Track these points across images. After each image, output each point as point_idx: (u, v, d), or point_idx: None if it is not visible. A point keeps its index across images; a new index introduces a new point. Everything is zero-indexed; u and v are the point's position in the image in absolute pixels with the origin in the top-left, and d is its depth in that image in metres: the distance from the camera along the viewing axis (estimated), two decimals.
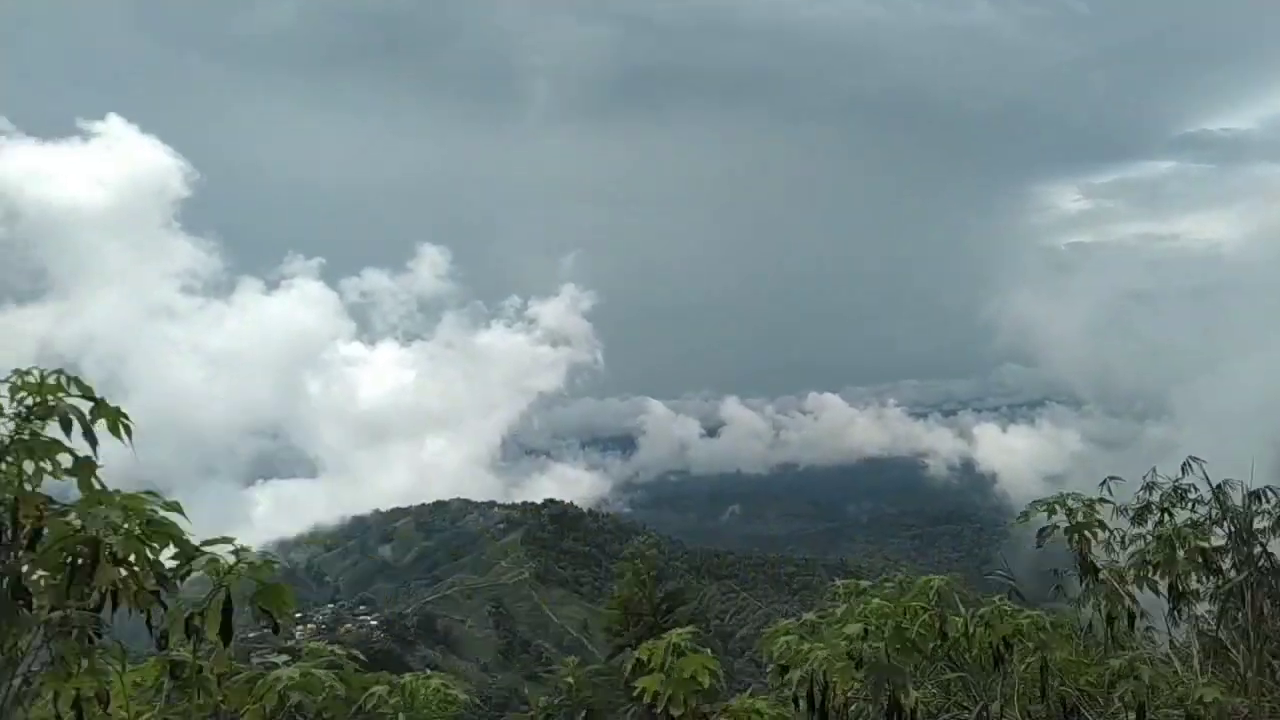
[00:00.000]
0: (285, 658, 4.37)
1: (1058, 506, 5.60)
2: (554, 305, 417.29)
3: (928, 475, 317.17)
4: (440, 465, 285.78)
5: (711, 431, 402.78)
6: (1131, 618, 5.49)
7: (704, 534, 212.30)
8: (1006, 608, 4.75)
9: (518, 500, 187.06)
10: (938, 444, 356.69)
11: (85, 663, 3.13)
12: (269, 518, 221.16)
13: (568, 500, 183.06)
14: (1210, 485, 6.85)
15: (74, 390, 3.41)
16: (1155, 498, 6.88)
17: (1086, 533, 5.54)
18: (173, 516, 3.54)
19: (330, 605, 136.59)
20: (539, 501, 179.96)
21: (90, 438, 3.36)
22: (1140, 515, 6.84)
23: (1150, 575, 5.94)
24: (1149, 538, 6.33)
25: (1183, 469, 6.96)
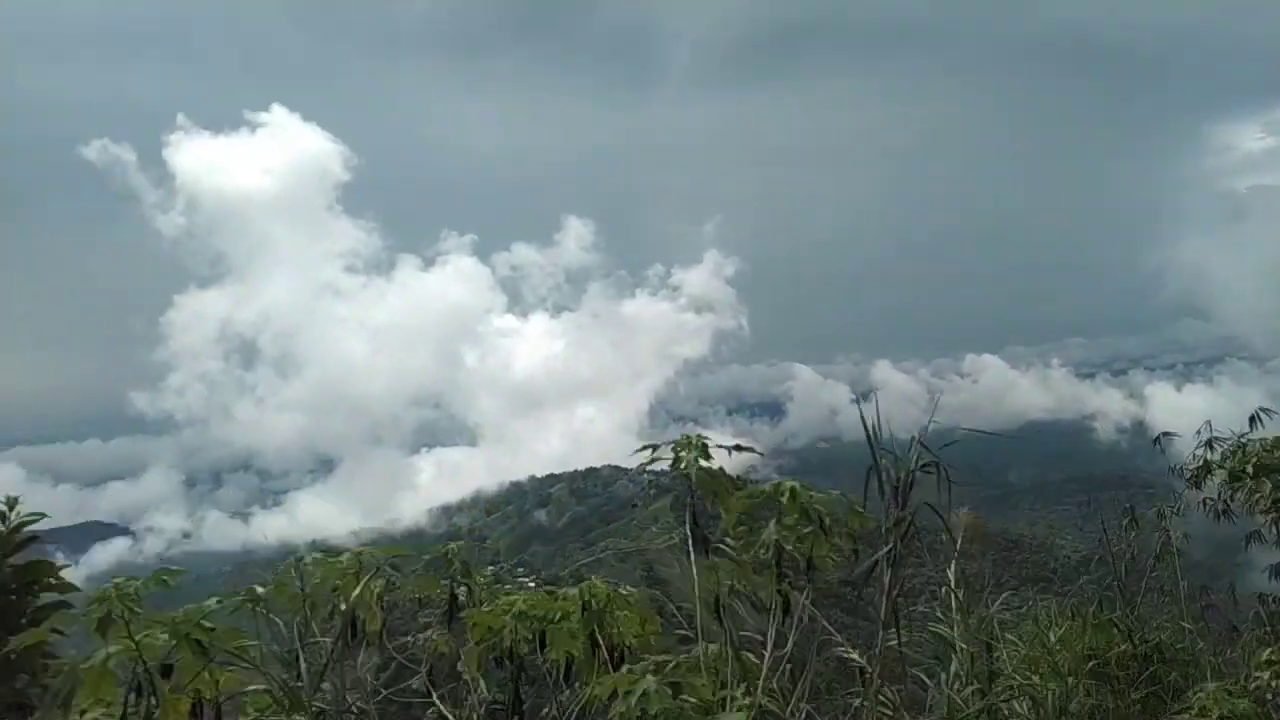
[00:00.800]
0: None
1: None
2: (697, 272, 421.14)
3: (1095, 439, 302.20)
4: (591, 432, 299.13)
5: (863, 396, 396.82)
6: None
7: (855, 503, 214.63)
8: None
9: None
10: (1106, 405, 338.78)
11: None
12: (433, 484, 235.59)
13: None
14: None
15: None
16: None
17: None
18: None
19: (490, 568, 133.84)
20: None
21: None
22: None
23: None
24: None
25: None
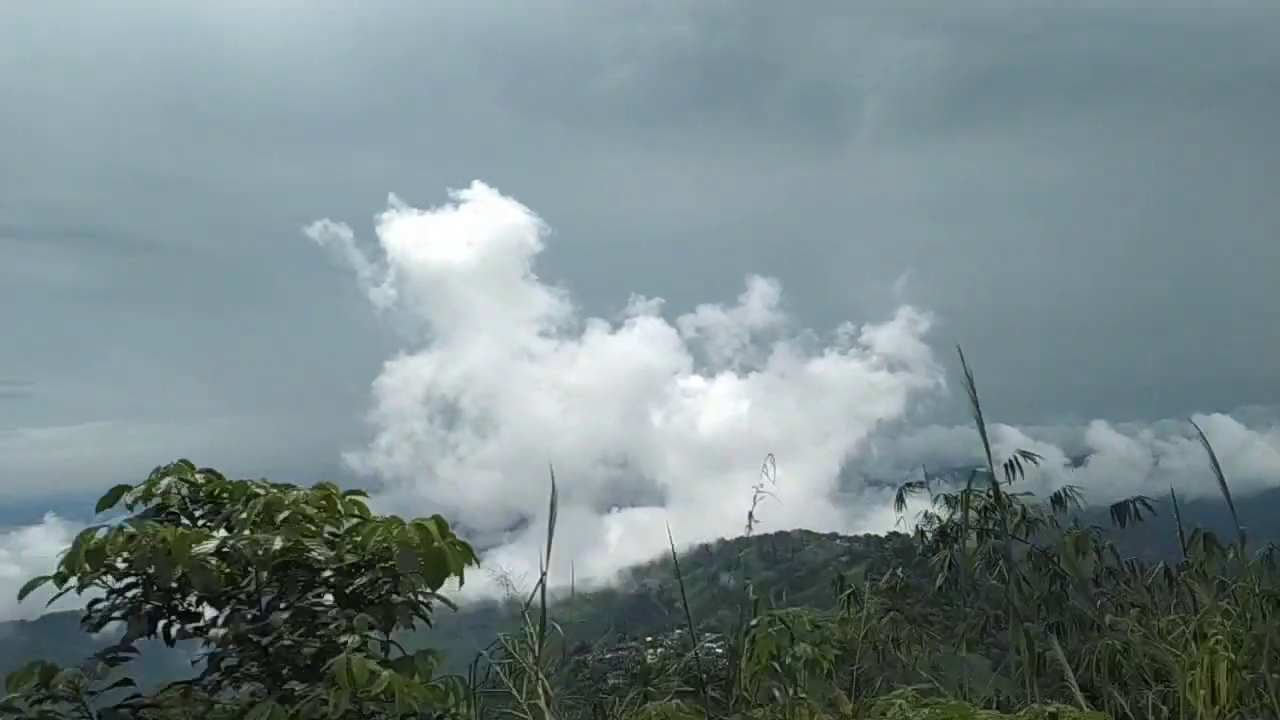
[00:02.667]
0: None
1: None
2: (889, 329, 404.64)
3: None
4: (780, 495, 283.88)
5: (1077, 460, 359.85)
6: None
7: None
8: None
9: (860, 533, 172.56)
10: None
11: None
12: (621, 543, 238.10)
13: (912, 534, 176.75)
14: None
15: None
16: None
17: None
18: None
19: (677, 630, 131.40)
20: (882, 535, 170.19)
21: None
22: None
23: None
24: None
25: None
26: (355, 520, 3.83)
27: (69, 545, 3.57)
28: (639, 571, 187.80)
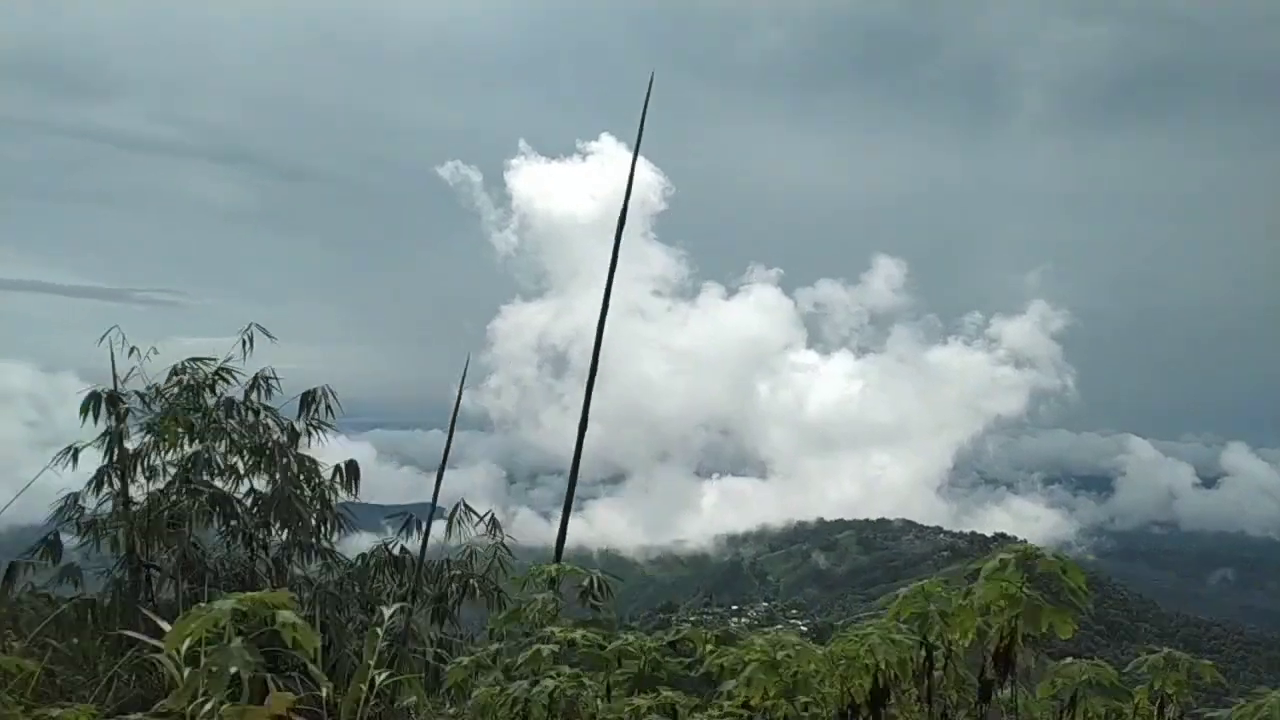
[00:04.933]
0: None
1: None
2: (1020, 324, 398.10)
3: None
4: (885, 481, 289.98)
5: (1209, 482, 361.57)
6: None
7: (1183, 598, 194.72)
8: None
9: (965, 529, 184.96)
10: None
11: None
12: (716, 509, 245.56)
13: (1021, 537, 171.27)
14: None
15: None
16: None
17: None
18: None
19: (765, 603, 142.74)
20: (988, 534, 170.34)
21: None
22: None
23: None
24: None
25: None
26: None
27: None
28: (734, 540, 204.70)
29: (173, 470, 8.08)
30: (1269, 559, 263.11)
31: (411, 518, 9.21)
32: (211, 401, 8.25)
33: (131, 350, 8.14)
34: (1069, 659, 4.74)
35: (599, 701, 4.38)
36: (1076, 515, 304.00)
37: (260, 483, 8.30)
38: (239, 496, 8.25)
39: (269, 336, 8.56)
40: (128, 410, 8.11)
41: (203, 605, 2.59)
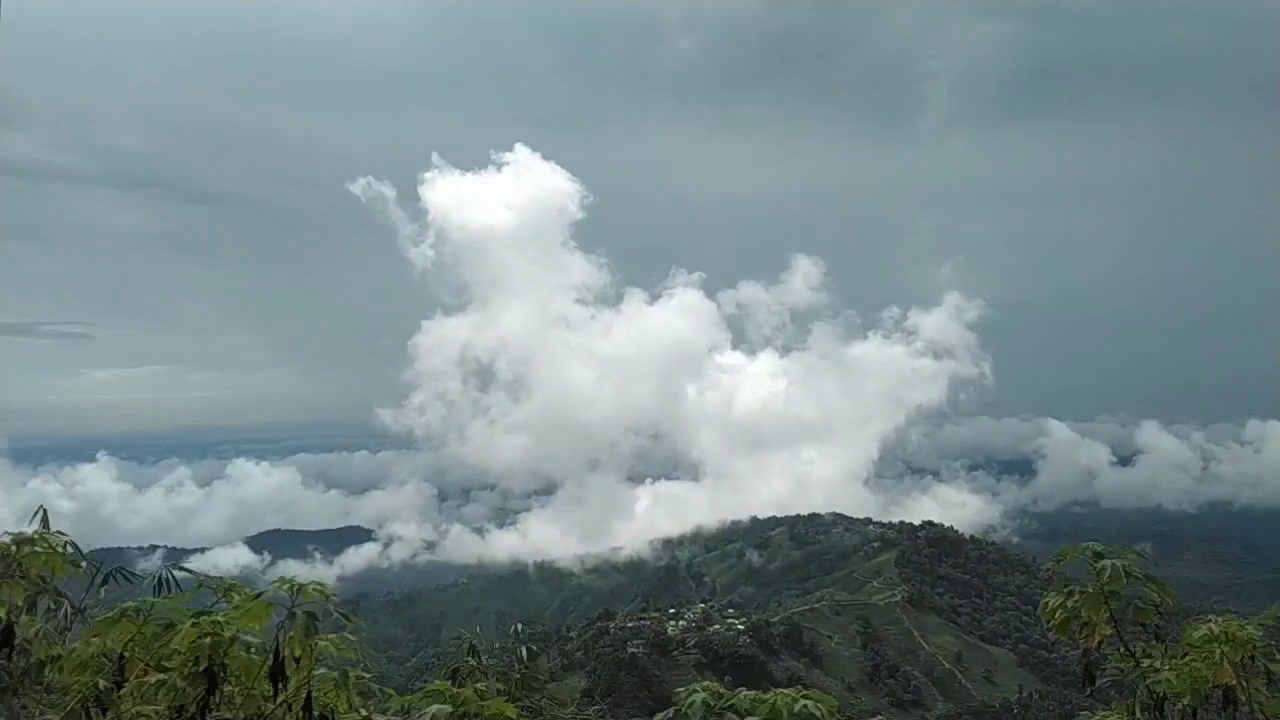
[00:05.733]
0: None
1: None
2: (936, 315, 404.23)
3: None
4: (814, 476, 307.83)
5: (1124, 460, 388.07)
6: None
7: None
8: None
9: (894, 519, 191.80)
10: None
11: None
12: (650, 514, 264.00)
13: (948, 524, 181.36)
14: None
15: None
16: None
17: None
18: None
19: (701, 605, 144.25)
20: (916, 523, 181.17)
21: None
22: None
23: None
24: None
25: None
26: None
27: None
28: (669, 543, 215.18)
29: None
30: (1184, 531, 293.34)
31: None
32: None
33: None
34: None
35: None
36: (1000, 499, 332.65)
37: None
38: None
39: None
40: None
41: None
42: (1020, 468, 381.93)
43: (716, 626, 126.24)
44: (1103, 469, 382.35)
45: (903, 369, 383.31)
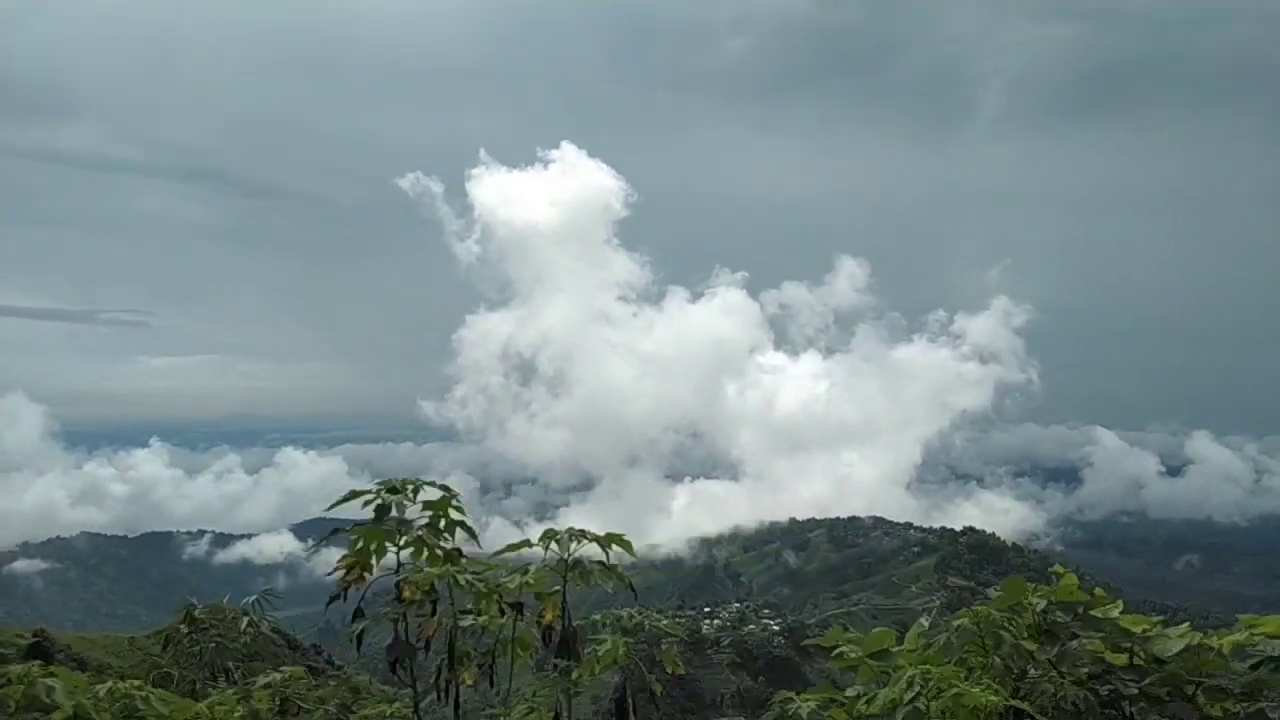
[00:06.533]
0: None
1: None
2: (983, 320, 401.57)
3: None
4: (855, 479, 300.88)
5: (1174, 470, 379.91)
6: None
7: (1150, 584, 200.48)
8: None
9: (935, 525, 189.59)
10: None
11: None
12: (688, 512, 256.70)
13: (991, 531, 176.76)
14: None
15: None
16: None
17: None
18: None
19: (737, 604, 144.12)
20: (958, 529, 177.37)
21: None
22: None
23: None
24: None
25: None
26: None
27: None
28: (707, 542, 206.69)
29: None
30: (1234, 544, 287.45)
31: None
32: None
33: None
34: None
35: None
36: (1045, 507, 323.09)
37: None
38: None
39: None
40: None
41: None
42: (1066, 475, 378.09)
43: (751, 627, 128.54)
44: (1151, 479, 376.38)
45: (948, 373, 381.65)
